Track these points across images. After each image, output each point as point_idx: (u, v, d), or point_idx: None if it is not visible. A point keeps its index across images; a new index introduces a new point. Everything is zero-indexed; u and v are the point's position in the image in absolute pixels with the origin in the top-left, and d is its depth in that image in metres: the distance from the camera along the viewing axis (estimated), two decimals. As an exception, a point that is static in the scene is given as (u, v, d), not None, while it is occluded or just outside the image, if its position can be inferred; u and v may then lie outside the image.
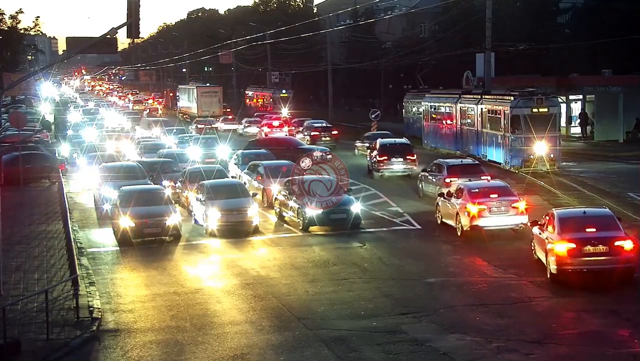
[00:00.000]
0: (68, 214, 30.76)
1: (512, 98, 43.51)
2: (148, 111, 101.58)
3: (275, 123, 66.54)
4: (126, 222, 28.25)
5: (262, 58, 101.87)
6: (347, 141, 59.36)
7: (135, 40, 33.22)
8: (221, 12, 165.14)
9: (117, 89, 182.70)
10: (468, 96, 50.98)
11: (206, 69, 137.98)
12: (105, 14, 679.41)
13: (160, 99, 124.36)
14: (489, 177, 34.04)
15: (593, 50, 65.31)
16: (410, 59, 76.19)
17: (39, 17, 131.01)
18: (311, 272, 24.41)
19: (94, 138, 52.25)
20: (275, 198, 33.17)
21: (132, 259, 26.66)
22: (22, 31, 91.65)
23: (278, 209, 32.62)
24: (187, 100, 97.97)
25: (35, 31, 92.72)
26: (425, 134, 57.56)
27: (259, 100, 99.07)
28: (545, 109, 42.69)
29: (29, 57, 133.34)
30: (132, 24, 24.17)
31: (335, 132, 61.15)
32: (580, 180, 39.84)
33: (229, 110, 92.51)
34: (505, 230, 28.47)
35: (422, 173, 37.55)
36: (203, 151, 46.61)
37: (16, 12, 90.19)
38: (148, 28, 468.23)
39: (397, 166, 42.89)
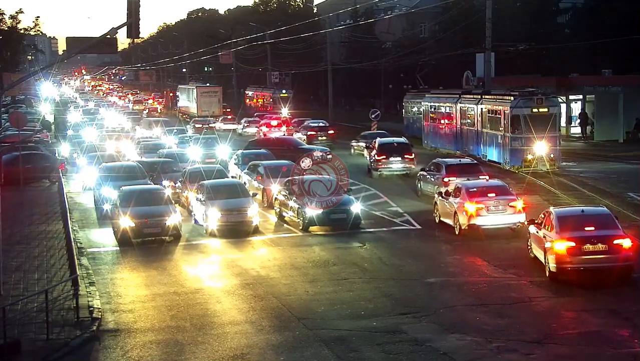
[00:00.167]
0: (68, 214, 30.72)
1: (512, 98, 43.52)
2: (148, 111, 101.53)
3: (274, 123, 66.59)
4: (126, 222, 28.26)
5: (262, 58, 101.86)
6: (344, 140, 59.36)
7: (135, 40, 33.21)
8: (221, 12, 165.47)
9: (117, 89, 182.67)
10: (468, 96, 50.96)
11: (206, 69, 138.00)
12: (105, 14, 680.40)
13: (160, 99, 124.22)
14: (487, 177, 34.20)
15: (593, 50, 65.29)
16: (410, 59, 76.18)
17: (39, 17, 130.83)
18: (311, 272, 24.41)
19: (94, 138, 52.23)
20: (275, 198, 33.17)
21: (132, 259, 26.66)
22: (22, 31, 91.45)
23: (278, 209, 32.62)
24: (187, 100, 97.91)
25: (35, 31, 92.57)
26: (425, 134, 57.55)
27: (259, 100, 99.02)
28: (545, 109, 42.70)
29: (29, 57, 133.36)
30: (132, 24, 24.19)
31: (331, 131, 61.57)
32: (580, 180, 39.85)
33: (229, 110, 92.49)
34: (503, 229, 28.52)
35: (421, 173, 37.60)
36: (203, 151, 46.64)
37: (16, 12, 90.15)
38: (148, 28, 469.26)
39: (396, 165, 43.04)
